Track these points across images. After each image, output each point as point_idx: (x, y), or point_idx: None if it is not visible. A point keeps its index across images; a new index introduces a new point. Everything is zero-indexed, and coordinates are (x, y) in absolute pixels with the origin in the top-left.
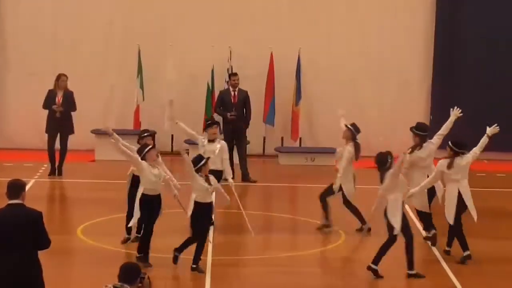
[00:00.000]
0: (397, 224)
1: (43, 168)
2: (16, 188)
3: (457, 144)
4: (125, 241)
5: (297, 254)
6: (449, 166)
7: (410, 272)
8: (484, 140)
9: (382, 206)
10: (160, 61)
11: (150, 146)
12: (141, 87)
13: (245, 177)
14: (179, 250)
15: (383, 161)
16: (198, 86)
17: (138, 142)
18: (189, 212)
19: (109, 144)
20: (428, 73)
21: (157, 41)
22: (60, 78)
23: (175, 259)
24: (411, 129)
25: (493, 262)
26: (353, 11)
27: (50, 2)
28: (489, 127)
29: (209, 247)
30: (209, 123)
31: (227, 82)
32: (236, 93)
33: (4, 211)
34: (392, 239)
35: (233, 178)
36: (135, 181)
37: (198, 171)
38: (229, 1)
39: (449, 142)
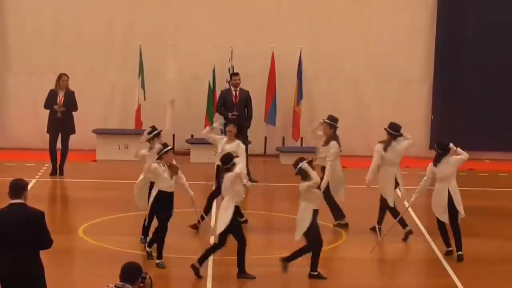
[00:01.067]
0: (462, 208)
1: (45, 167)
2: (18, 187)
3: (394, 128)
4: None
5: None
6: (385, 148)
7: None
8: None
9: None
10: (161, 61)
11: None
12: (143, 86)
13: (247, 177)
14: (288, 259)
15: (445, 148)
16: (199, 86)
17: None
18: (306, 225)
19: (110, 144)
20: (429, 73)
21: (158, 41)
22: (61, 78)
23: (285, 268)
24: (325, 119)
25: (493, 262)
26: (353, 11)
27: (51, 2)
28: (490, 126)
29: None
30: (158, 132)
31: (229, 81)
32: (237, 92)
33: (5, 211)
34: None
35: None
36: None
37: (306, 178)
38: (230, 1)
39: (387, 127)
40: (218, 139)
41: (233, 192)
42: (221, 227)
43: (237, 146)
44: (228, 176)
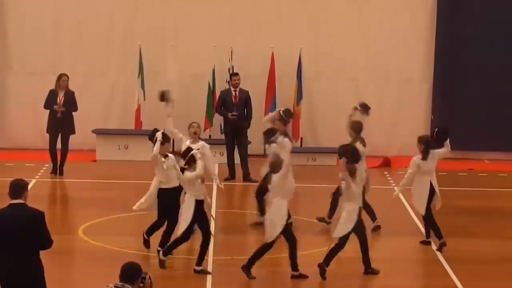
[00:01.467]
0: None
1: (45, 167)
2: (18, 188)
3: (358, 128)
4: None
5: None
6: (364, 145)
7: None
8: None
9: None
10: (161, 61)
11: None
12: (142, 87)
13: (246, 177)
14: (326, 263)
15: (442, 144)
16: (199, 86)
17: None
18: (351, 225)
19: (110, 144)
20: (429, 73)
21: (158, 41)
22: (61, 78)
23: (323, 274)
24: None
25: (493, 262)
26: (354, 11)
27: (51, 2)
28: (490, 126)
29: (210, 247)
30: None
31: (228, 82)
32: (237, 93)
33: (5, 211)
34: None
35: (234, 178)
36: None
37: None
38: (230, 1)
39: (353, 126)
40: (183, 140)
41: (284, 191)
42: (277, 230)
43: (202, 146)
44: (278, 176)
